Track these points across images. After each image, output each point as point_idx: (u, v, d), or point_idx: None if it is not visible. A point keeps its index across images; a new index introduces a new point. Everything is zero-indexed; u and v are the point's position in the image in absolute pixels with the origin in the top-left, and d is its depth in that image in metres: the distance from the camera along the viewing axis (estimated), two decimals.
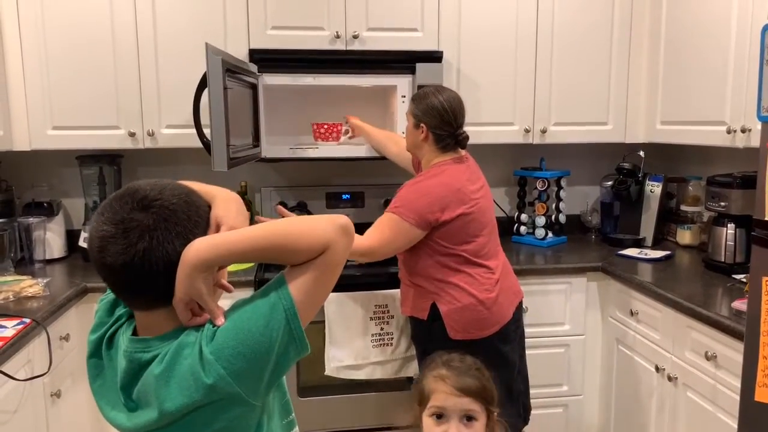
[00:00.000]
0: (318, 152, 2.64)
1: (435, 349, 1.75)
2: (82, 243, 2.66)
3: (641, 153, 2.91)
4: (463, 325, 2.02)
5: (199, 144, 2.33)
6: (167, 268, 0.91)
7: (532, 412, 2.29)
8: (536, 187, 3.01)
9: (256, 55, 2.52)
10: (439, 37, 2.67)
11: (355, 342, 2.36)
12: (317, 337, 2.32)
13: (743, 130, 2.20)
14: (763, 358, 1.57)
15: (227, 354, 0.90)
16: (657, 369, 2.22)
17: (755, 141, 2.11)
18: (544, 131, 2.81)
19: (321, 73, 2.55)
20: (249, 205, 2.90)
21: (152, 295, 0.94)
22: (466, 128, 2.13)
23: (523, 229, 3.05)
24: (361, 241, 2.01)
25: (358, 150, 2.67)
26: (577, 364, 2.66)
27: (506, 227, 3.00)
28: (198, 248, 0.91)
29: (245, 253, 0.94)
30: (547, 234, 2.96)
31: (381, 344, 2.38)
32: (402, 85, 2.61)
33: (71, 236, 2.75)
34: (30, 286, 2.14)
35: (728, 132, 2.26)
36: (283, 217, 1.83)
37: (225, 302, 0.99)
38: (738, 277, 2.29)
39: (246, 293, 1.12)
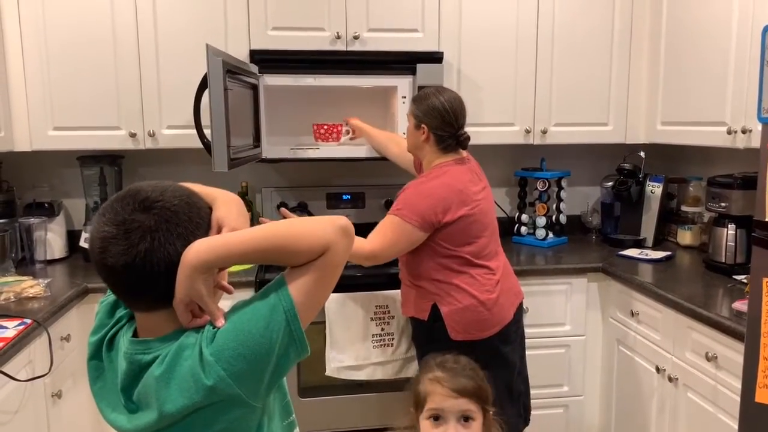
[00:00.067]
0: (318, 153, 2.64)
1: (435, 350, 1.76)
2: (83, 243, 2.66)
3: (642, 153, 2.91)
4: (463, 326, 2.02)
5: (199, 144, 2.33)
6: (168, 269, 0.91)
7: (533, 412, 2.29)
8: (537, 188, 3.01)
9: (256, 55, 2.52)
10: (440, 38, 2.67)
11: (355, 343, 2.36)
12: (318, 338, 2.32)
13: (744, 131, 2.20)
14: (764, 359, 1.57)
15: (227, 355, 0.90)
16: (657, 370, 2.22)
17: (756, 142, 2.11)
18: (544, 132, 2.81)
19: (321, 73, 2.55)
20: (250, 205, 2.90)
21: (153, 297, 0.94)
22: (466, 129, 2.13)
23: (523, 229, 3.05)
24: (363, 245, 2.00)
25: (359, 150, 2.67)
26: (578, 364, 2.66)
27: (507, 228, 3.00)
28: (198, 250, 0.91)
29: (245, 255, 0.94)
30: (547, 234, 2.97)
31: (381, 345, 2.38)
32: (402, 85, 2.61)
33: (72, 237, 2.76)
34: (31, 286, 2.14)
35: (729, 133, 2.26)
36: (285, 218, 1.83)
37: (225, 303, 0.99)
38: (738, 277, 2.29)
39: (246, 294, 1.12)
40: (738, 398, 1.68)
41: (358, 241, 2.00)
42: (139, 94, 2.53)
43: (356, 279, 2.36)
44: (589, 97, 2.82)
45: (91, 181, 2.71)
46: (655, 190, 2.93)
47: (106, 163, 2.71)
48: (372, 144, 2.62)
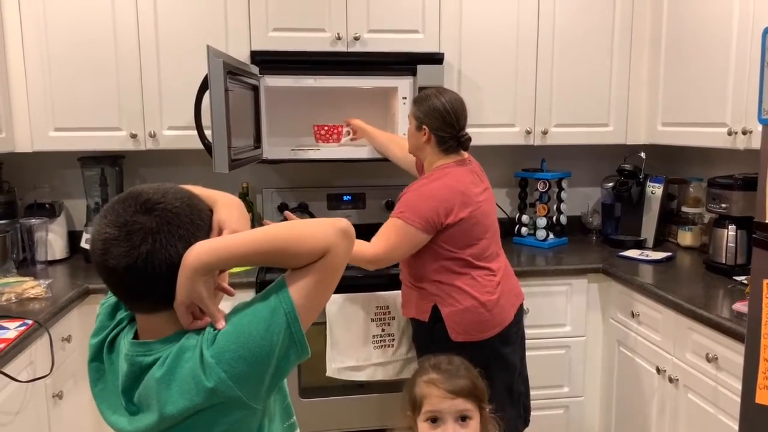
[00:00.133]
0: (319, 154, 2.64)
1: (436, 351, 1.76)
2: (84, 244, 2.66)
3: (642, 154, 2.91)
4: (464, 327, 2.02)
5: (200, 145, 2.33)
6: (170, 271, 0.91)
7: (533, 413, 2.29)
8: (537, 189, 3.01)
9: (257, 56, 2.52)
10: (440, 39, 2.68)
11: (356, 343, 2.37)
12: (318, 339, 2.32)
13: (744, 132, 2.20)
14: (764, 361, 1.57)
15: (228, 357, 0.90)
16: (658, 370, 2.22)
17: (756, 143, 2.11)
18: (545, 132, 2.81)
19: (322, 74, 2.55)
20: (250, 206, 2.90)
21: (154, 298, 0.94)
22: (467, 130, 2.13)
23: (524, 230, 3.05)
24: (367, 249, 2.00)
25: (359, 151, 2.68)
26: (578, 365, 2.66)
27: (507, 228, 3.00)
28: (199, 252, 0.91)
29: (246, 257, 0.94)
30: (548, 235, 2.97)
31: (382, 345, 2.39)
32: (403, 86, 2.61)
33: (73, 237, 2.76)
34: (32, 287, 2.15)
35: (729, 134, 2.26)
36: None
37: (226, 305, 0.99)
38: (739, 278, 2.29)
39: (247, 295, 1.12)
40: (738, 399, 1.68)
41: (362, 245, 2.00)
42: (140, 95, 2.53)
43: (357, 280, 2.36)
44: (590, 97, 2.83)
45: (92, 181, 2.71)
46: (655, 190, 2.93)
47: (107, 163, 2.71)
48: (373, 145, 2.62)
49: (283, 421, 1.07)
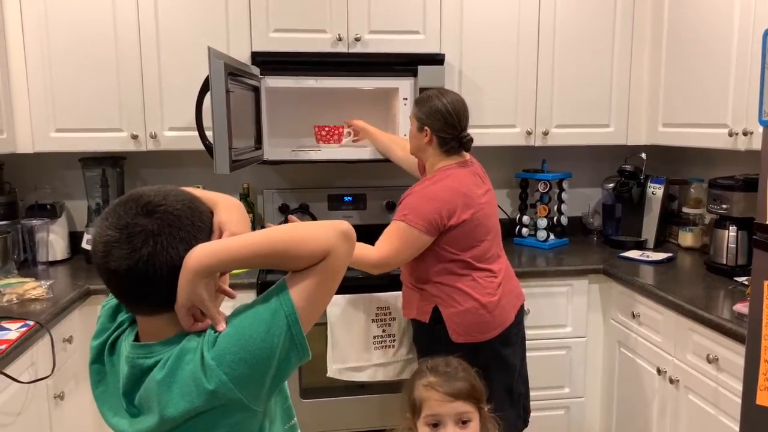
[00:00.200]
0: (320, 154, 2.64)
1: (437, 352, 1.76)
2: (85, 245, 2.67)
3: (643, 155, 2.91)
4: (465, 329, 2.02)
5: (201, 146, 2.33)
6: (171, 273, 0.91)
7: (534, 413, 2.29)
8: (538, 189, 3.01)
9: (258, 57, 2.52)
10: (441, 40, 2.68)
11: (356, 344, 2.37)
12: (319, 339, 2.33)
13: (745, 133, 2.20)
14: (765, 362, 1.57)
15: (229, 360, 0.90)
16: (659, 371, 2.22)
17: (757, 144, 2.11)
18: (545, 133, 2.81)
19: (323, 75, 2.56)
20: (251, 207, 2.90)
21: (155, 301, 0.94)
22: (468, 131, 2.13)
23: (524, 231, 3.05)
24: (371, 253, 2.00)
25: (360, 152, 2.68)
26: (579, 366, 2.66)
27: (508, 229, 3.01)
28: (200, 254, 0.92)
29: (247, 260, 0.94)
30: (548, 236, 2.97)
31: (383, 346, 2.39)
32: (404, 87, 2.61)
33: (74, 238, 2.76)
34: (33, 288, 2.15)
35: (730, 135, 2.26)
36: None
37: (226, 307, 1.00)
38: (740, 279, 2.29)
39: (248, 296, 1.12)
40: (739, 400, 1.68)
41: (366, 248, 2.00)
42: (140, 96, 2.53)
43: (357, 281, 2.36)
44: (591, 98, 2.83)
45: (93, 182, 2.71)
46: (656, 191, 2.93)
47: (108, 164, 2.72)
48: (376, 146, 2.62)
49: (284, 423, 1.07)
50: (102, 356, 1.04)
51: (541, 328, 2.58)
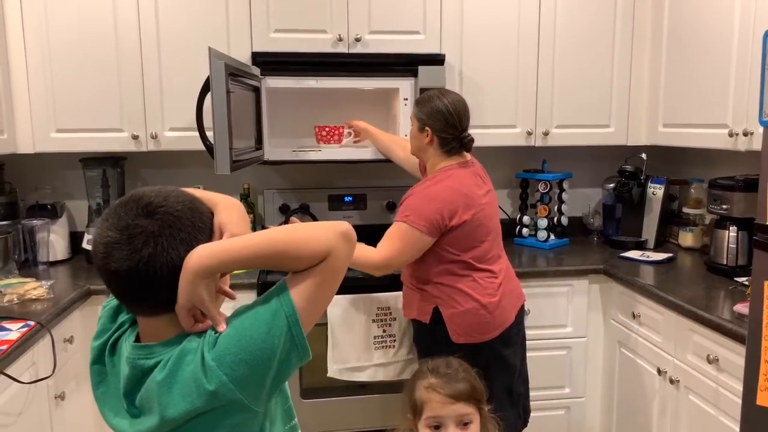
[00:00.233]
0: (320, 155, 2.64)
1: (437, 352, 1.76)
2: (86, 245, 2.67)
3: (643, 155, 2.91)
4: (465, 329, 2.03)
5: (202, 146, 2.34)
6: (171, 274, 0.91)
7: (534, 414, 2.29)
8: (538, 190, 3.01)
9: (258, 58, 2.52)
10: (442, 40, 2.68)
11: (357, 344, 2.37)
12: (320, 339, 2.33)
13: (745, 134, 2.20)
14: (765, 362, 1.57)
15: (229, 360, 0.90)
16: (659, 372, 2.22)
17: (757, 144, 2.11)
18: (546, 134, 2.81)
19: (323, 75, 2.56)
20: (252, 207, 2.90)
21: (155, 301, 0.94)
22: (469, 131, 2.13)
23: (525, 231, 3.05)
24: (373, 255, 2.00)
25: (361, 152, 2.68)
26: (579, 366, 2.66)
27: (508, 229, 3.01)
28: (200, 255, 0.92)
29: (247, 261, 0.94)
30: (549, 236, 2.97)
31: (383, 346, 2.39)
32: (404, 87, 2.61)
33: (75, 238, 2.76)
34: (34, 288, 2.15)
35: (730, 135, 2.26)
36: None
37: (227, 308, 1.00)
38: (740, 279, 2.29)
39: (248, 296, 1.12)
40: (739, 401, 1.68)
41: (368, 251, 2.00)
42: (141, 96, 2.54)
43: (358, 281, 2.36)
44: (591, 99, 2.83)
45: (93, 182, 2.72)
46: (656, 191, 2.93)
47: (109, 164, 2.72)
48: (377, 146, 2.62)
49: (284, 424, 1.08)
50: (103, 357, 1.04)
51: (542, 329, 2.59)
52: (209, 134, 2.19)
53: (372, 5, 2.61)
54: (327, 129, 2.68)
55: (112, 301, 1.09)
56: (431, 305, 2.06)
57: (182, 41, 2.52)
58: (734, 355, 1.84)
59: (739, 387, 1.69)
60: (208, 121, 2.18)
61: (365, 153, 2.67)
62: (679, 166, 3.08)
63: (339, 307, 2.35)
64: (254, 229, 2.84)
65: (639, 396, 2.38)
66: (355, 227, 1.04)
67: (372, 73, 2.59)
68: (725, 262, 2.41)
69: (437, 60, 2.61)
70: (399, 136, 2.62)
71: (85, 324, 2.25)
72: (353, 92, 2.74)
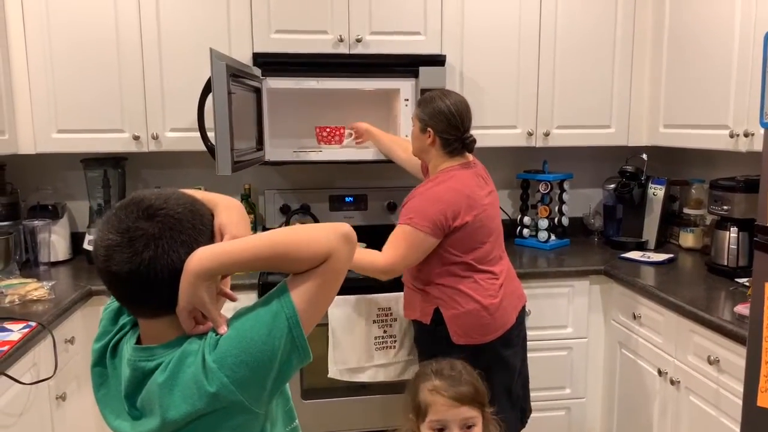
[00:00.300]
0: (321, 155, 2.64)
1: (438, 353, 1.76)
2: (87, 246, 2.67)
3: (644, 156, 2.91)
4: (466, 330, 2.03)
5: (203, 147, 2.34)
6: (172, 276, 0.92)
7: (535, 414, 2.29)
8: (539, 190, 3.01)
9: (259, 58, 2.52)
10: (442, 41, 2.68)
11: (358, 345, 2.37)
12: (320, 340, 2.33)
13: (746, 134, 2.20)
14: (766, 364, 1.57)
15: (230, 362, 0.91)
16: (660, 373, 2.22)
17: (758, 145, 2.11)
18: (546, 134, 2.81)
19: (324, 76, 2.56)
20: (252, 208, 2.91)
21: (156, 304, 0.94)
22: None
23: (525, 231, 3.05)
24: (379, 259, 1.99)
25: (361, 153, 2.68)
26: (580, 367, 2.66)
27: (509, 230, 3.00)
28: (201, 257, 0.92)
29: (248, 263, 0.95)
30: (549, 237, 2.97)
31: (384, 347, 2.39)
32: (405, 88, 2.61)
33: (76, 239, 2.77)
34: (35, 289, 2.15)
35: (731, 136, 2.26)
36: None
37: (228, 309, 1.00)
38: (741, 280, 2.29)
39: (249, 297, 1.12)
40: (740, 402, 1.68)
41: (374, 255, 2.00)
42: (142, 97, 2.54)
43: (358, 282, 2.36)
44: (592, 99, 2.83)
45: (94, 183, 2.72)
46: (657, 192, 2.93)
47: (110, 165, 2.72)
48: (378, 147, 2.62)
49: (285, 425, 1.08)
50: (104, 359, 1.04)
51: (542, 329, 2.59)
52: (210, 135, 2.19)
53: (373, 6, 2.61)
54: (328, 129, 2.68)
55: (113, 304, 1.09)
56: (432, 306, 2.06)
57: (183, 42, 2.52)
58: (735, 356, 1.84)
59: (740, 388, 1.69)
60: (209, 122, 2.18)
61: (366, 153, 2.67)
62: (680, 167, 3.08)
63: (340, 308, 2.35)
64: (255, 229, 2.85)
65: (640, 397, 2.38)
66: (356, 228, 1.04)
67: (373, 73, 2.59)
68: (726, 263, 2.41)
69: (438, 61, 2.62)
70: (400, 137, 2.62)
71: (87, 325, 2.25)
72: (354, 93, 2.75)
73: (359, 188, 3.01)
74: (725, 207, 2.40)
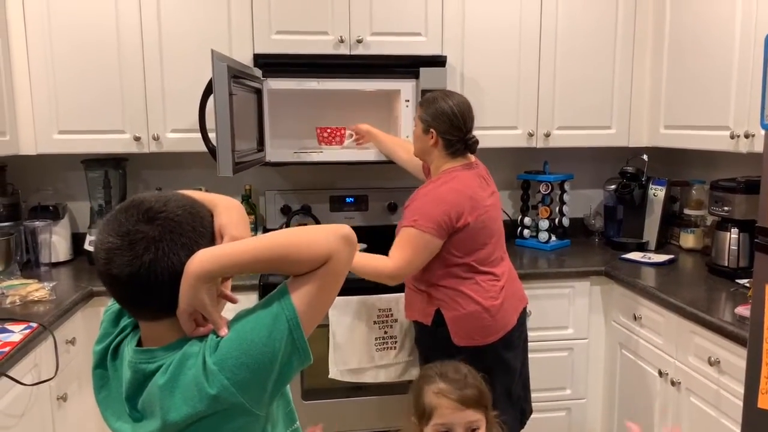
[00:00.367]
0: (322, 156, 2.64)
1: (438, 354, 1.76)
2: (88, 246, 2.67)
3: (645, 157, 2.91)
4: (467, 332, 2.02)
5: (203, 148, 2.34)
6: (172, 279, 0.92)
7: (535, 415, 2.29)
8: (540, 191, 3.01)
9: (260, 59, 2.53)
10: (443, 42, 2.68)
11: (358, 346, 2.37)
12: (321, 341, 2.33)
13: (747, 136, 2.20)
14: (766, 365, 1.57)
15: (231, 364, 0.91)
16: (660, 374, 2.22)
17: (759, 146, 2.11)
18: (547, 135, 2.81)
19: (325, 77, 2.56)
20: (253, 208, 2.91)
21: (157, 306, 0.94)
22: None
23: (526, 232, 3.05)
24: (386, 264, 1.98)
25: (362, 154, 2.68)
26: (581, 367, 2.66)
27: (510, 231, 2.99)
28: (201, 259, 0.92)
29: (248, 265, 0.95)
30: (550, 237, 2.97)
31: (384, 348, 2.39)
32: (406, 89, 2.61)
33: (77, 239, 2.77)
34: (36, 290, 2.15)
35: (732, 137, 2.26)
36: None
37: (228, 311, 1.00)
38: (741, 281, 2.29)
39: (250, 298, 1.12)
40: (741, 403, 1.68)
41: (381, 260, 1.99)
42: (143, 98, 2.54)
43: (359, 283, 2.35)
44: (592, 100, 2.83)
45: (95, 184, 2.72)
46: (658, 193, 2.93)
47: (111, 166, 2.72)
48: (380, 149, 2.62)
49: (286, 427, 1.08)
50: (105, 361, 1.05)
51: (543, 330, 2.59)
52: (211, 136, 2.20)
53: (373, 7, 2.61)
54: (328, 130, 2.68)
55: (114, 306, 1.09)
56: (433, 307, 2.06)
57: (184, 43, 2.53)
58: (735, 357, 1.84)
59: (741, 389, 1.69)
60: (210, 123, 2.18)
61: (367, 154, 2.67)
62: (681, 168, 3.08)
63: (340, 309, 2.35)
64: (255, 231, 2.85)
65: (640, 398, 2.38)
66: (357, 228, 1.05)
67: (373, 74, 2.59)
68: (726, 264, 2.41)
69: (439, 62, 2.62)
70: (401, 138, 2.62)
71: (88, 325, 2.26)
72: (355, 94, 2.75)
73: (360, 189, 3.01)
74: (726, 208, 2.40)
